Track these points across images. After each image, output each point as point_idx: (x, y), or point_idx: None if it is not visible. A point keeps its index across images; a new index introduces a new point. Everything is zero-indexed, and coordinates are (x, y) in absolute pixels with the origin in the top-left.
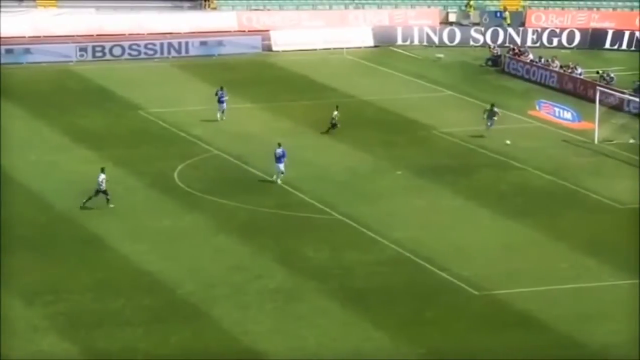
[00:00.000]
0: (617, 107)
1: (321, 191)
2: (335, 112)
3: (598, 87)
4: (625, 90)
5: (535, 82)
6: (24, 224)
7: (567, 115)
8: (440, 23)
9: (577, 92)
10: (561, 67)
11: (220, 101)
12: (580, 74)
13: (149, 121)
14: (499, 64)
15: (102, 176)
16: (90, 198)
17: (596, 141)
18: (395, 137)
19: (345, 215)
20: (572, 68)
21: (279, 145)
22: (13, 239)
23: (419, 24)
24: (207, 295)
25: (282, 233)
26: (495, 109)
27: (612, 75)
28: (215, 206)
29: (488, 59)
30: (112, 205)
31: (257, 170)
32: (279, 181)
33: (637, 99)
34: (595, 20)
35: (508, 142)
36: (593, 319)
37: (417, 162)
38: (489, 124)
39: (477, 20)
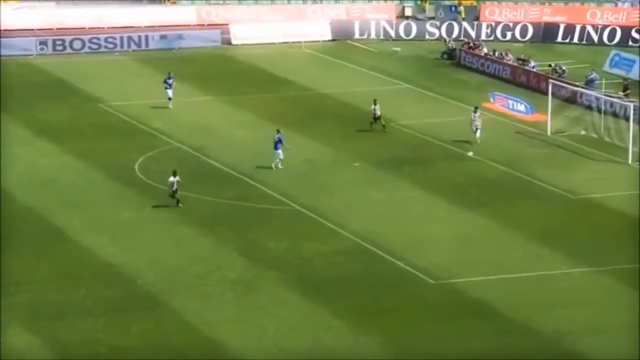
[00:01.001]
0: (570, 100)
1: (280, 183)
2: (376, 106)
3: (550, 80)
4: (577, 83)
5: (489, 75)
6: None
7: (521, 107)
8: (397, 17)
9: (530, 84)
10: (516, 60)
11: (169, 87)
12: (533, 67)
13: (110, 114)
14: (454, 57)
15: (173, 179)
16: (176, 199)
17: (549, 133)
18: (354, 129)
19: (304, 207)
20: (525, 61)
21: (278, 131)
22: None
23: (376, 18)
24: (167, 286)
25: (242, 224)
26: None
27: (564, 68)
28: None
29: (444, 53)
30: (181, 205)
31: (217, 163)
32: (280, 166)
33: (588, 92)
34: (547, 14)
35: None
36: (546, 307)
37: (375, 154)
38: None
39: (432, 14)
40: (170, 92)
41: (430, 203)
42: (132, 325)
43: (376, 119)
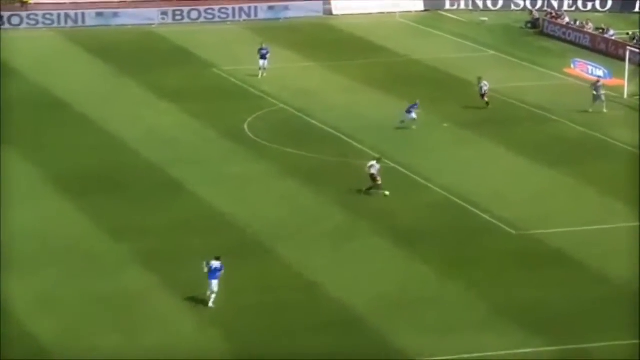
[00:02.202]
0: None
1: (376, 142)
2: (484, 82)
3: (628, 47)
4: None
5: (570, 43)
6: (110, 169)
7: (599, 72)
8: None
9: (609, 52)
10: (595, 29)
11: (263, 57)
12: (612, 35)
13: (222, 78)
14: (537, 26)
15: (377, 166)
16: (370, 188)
17: (625, 96)
18: (443, 93)
19: (398, 164)
20: (604, 30)
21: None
22: (102, 182)
23: None
24: (273, 235)
25: (340, 179)
26: (600, 84)
27: None
28: (281, 154)
29: (528, 22)
30: (387, 193)
31: (319, 122)
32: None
33: None
34: None
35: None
36: (619, 256)
37: (462, 115)
38: (597, 101)
39: None
40: (262, 62)
41: (513, 160)
42: (241, 269)
43: (482, 95)
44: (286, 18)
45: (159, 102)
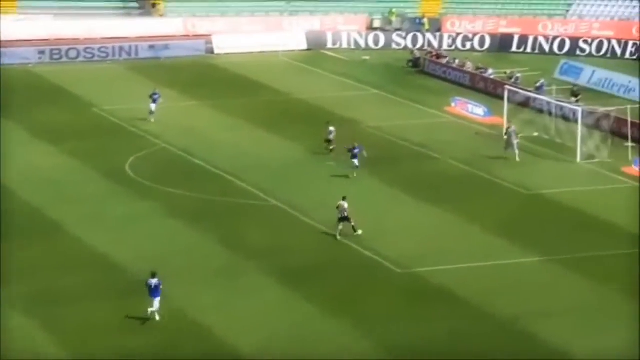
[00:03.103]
0: (523, 104)
1: (260, 180)
2: (330, 128)
3: (506, 86)
4: (530, 89)
5: (451, 82)
6: None
7: (479, 110)
8: (366, 29)
9: (488, 90)
10: (475, 68)
11: (154, 102)
12: (490, 75)
13: (102, 118)
14: (419, 65)
15: (344, 204)
16: (339, 228)
17: (505, 134)
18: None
19: (281, 201)
20: (483, 69)
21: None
22: None
23: (347, 29)
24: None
25: (224, 218)
26: (512, 129)
27: (518, 75)
28: (164, 194)
29: (409, 61)
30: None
31: (202, 162)
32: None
33: (541, 97)
34: (503, 26)
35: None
36: (501, 293)
37: (345, 154)
38: (509, 148)
39: (398, 26)
40: (153, 107)
41: (396, 198)
42: (125, 309)
43: (328, 141)
44: (167, 57)
45: (37, 141)
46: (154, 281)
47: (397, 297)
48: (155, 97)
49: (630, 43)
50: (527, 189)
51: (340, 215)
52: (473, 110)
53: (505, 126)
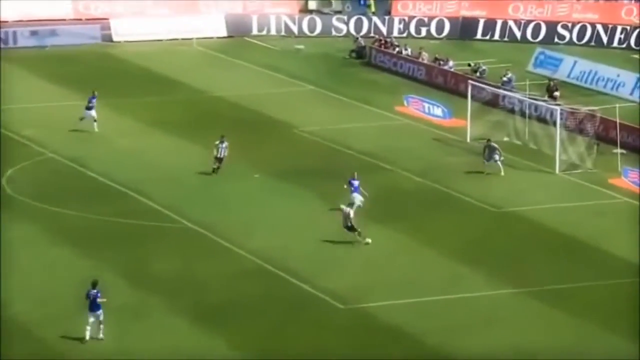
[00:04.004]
0: (491, 103)
1: (170, 197)
2: (224, 144)
3: (470, 81)
4: (499, 85)
5: (403, 75)
6: None
7: (438, 111)
8: (300, 11)
9: (448, 86)
10: (432, 59)
11: (89, 108)
12: (450, 67)
13: None
14: (363, 55)
15: (347, 210)
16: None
17: (469, 139)
18: (252, 136)
19: (196, 224)
20: (442, 60)
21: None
22: None
23: (276, 12)
24: (41, 316)
25: (125, 244)
26: (493, 144)
27: (484, 68)
28: (48, 215)
29: (352, 51)
30: (368, 240)
31: (97, 174)
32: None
33: (511, 94)
34: (465, 8)
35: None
36: (464, 331)
37: (276, 164)
38: (488, 160)
39: (339, 8)
40: (89, 113)
41: (339, 219)
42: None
43: (219, 159)
44: (53, 45)
45: None
46: (94, 292)
47: (338, 337)
48: (94, 100)
49: (619, 28)
50: (495, 206)
51: (345, 224)
52: (430, 110)
53: (484, 141)
